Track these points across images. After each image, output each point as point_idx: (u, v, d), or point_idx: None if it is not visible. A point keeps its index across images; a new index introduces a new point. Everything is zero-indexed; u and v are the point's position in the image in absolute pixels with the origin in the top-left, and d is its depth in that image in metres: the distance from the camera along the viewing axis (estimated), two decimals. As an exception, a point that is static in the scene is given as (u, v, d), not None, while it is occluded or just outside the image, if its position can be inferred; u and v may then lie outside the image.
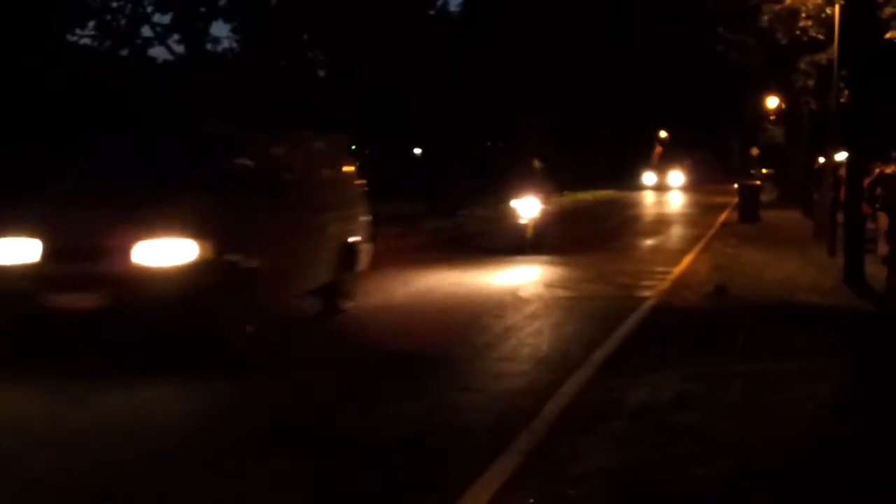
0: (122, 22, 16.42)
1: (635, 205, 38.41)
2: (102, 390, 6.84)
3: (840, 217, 14.78)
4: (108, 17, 16.27)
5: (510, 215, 17.30)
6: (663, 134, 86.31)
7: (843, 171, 15.37)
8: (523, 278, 13.56)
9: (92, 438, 5.77)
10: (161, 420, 6.22)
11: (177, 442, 5.72)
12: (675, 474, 5.00)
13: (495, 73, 30.86)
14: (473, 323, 9.73)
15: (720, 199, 37.67)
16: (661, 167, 38.97)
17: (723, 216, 28.24)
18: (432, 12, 33.15)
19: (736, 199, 28.05)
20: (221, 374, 7.35)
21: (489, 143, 41.33)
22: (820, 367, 7.26)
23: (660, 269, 14.73)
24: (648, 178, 46.55)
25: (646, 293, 11.95)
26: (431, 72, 31.34)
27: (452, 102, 32.01)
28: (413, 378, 7.36)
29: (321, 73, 37.92)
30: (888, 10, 13.99)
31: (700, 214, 30.84)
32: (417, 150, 46.69)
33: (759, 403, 6.33)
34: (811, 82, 22.21)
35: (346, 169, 10.93)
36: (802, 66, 21.29)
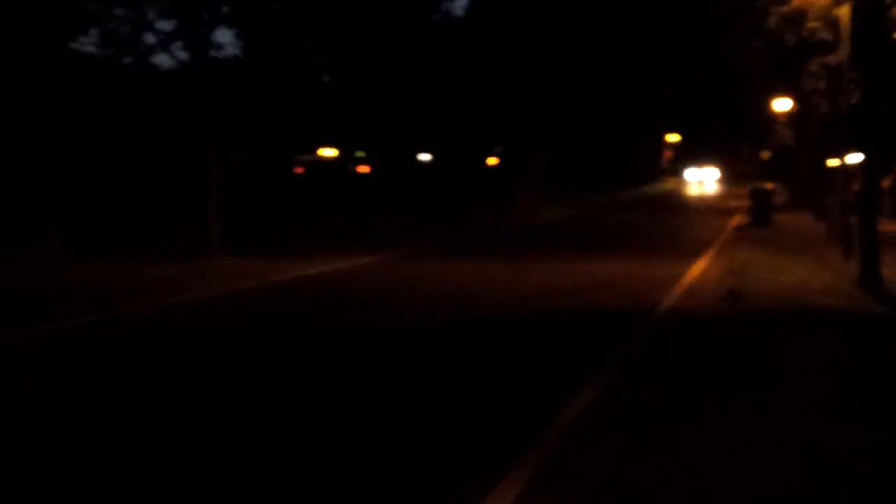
0: (125, 30, 16.28)
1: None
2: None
3: (854, 219, 14.51)
4: (111, 25, 16.14)
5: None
6: (673, 138, 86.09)
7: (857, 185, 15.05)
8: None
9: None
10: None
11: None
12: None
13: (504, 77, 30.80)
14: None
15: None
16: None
17: (735, 220, 28.00)
18: (436, 17, 33.09)
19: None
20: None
21: (498, 149, 41.32)
22: (833, 372, 7.19)
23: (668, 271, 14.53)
24: None
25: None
26: (432, 77, 31.29)
27: (457, 107, 31.94)
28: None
29: (325, 78, 37.94)
30: (897, 10, 13.73)
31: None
32: (425, 157, 46.65)
33: (773, 408, 6.21)
34: (821, 84, 21.93)
35: None
36: (812, 67, 21.03)
